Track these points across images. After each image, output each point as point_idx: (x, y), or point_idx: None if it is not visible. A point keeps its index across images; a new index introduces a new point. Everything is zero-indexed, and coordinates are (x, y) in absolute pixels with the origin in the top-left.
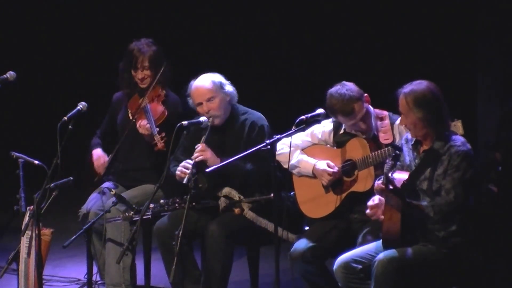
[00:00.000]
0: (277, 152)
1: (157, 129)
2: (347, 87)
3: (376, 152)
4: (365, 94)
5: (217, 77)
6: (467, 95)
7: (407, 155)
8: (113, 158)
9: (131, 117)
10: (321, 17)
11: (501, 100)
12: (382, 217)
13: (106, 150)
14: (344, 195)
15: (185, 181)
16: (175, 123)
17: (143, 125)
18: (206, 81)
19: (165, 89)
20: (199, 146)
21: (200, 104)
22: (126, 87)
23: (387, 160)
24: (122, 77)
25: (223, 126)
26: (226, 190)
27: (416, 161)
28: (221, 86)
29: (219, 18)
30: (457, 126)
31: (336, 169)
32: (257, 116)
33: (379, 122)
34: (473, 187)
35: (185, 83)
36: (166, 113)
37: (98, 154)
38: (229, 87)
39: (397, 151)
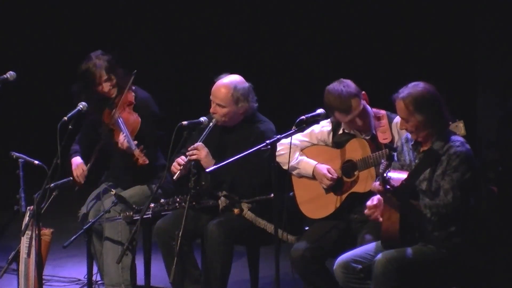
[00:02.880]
0: (277, 153)
1: (135, 142)
2: (344, 84)
3: (376, 153)
4: (363, 92)
5: (241, 89)
6: (467, 95)
7: (407, 155)
8: (108, 163)
9: (110, 127)
10: (321, 17)
11: (501, 100)
12: (381, 219)
13: (86, 155)
14: (344, 196)
15: (175, 177)
16: (151, 122)
17: (121, 142)
18: (226, 87)
19: (133, 90)
20: (197, 145)
21: (212, 101)
22: (92, 103)
23: (382, 161)
24: (80, 96)
25: (231, 128)
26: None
27: (416, 161)
28: (237, 100)
29: (219, 17)
30: (459, 127)
31: (336, 176)
32: (268, 127)
33: (377, 122)
34: (471, 189)
35: (183, 84)
36: (140, 120)
37: (77, 163)
38: (246, 104)
39: (391, 151)
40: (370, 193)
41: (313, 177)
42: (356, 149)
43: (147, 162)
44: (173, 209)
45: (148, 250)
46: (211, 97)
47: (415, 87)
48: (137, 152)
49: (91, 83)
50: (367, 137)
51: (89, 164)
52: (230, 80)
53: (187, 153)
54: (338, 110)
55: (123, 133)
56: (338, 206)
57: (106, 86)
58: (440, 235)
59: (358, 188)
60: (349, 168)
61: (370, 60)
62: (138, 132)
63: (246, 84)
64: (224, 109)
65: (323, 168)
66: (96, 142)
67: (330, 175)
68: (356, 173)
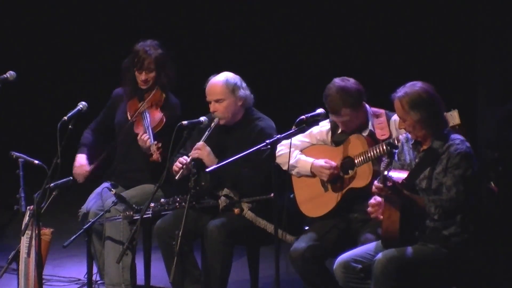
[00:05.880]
0: (276, 154)
1: (154, 141)
2: (345, 89)
3: (374, 147)
4: (363, 101)
5: (233, 79)
6: (467, 95)
7: (408, 154)
8: (111, 159)
9: (129, 118)
10: (321, 17)
11: (501, 100)
12: (381, 217)
13: (98, 147)
14: (343, 192)
15: (177, 177)
16: (173, 126)
17: (142, 138)
18: (220, 81)
19: (165, 92)
20: (199, 144)
21: (210, 102)
22: (128, 85)
23: (383, 158)
24: (124, 75)
25: (231, 128)
26: (226, 190)
27: (416, 160)
28: (233, 89)
29: (219, 17)
30: (454, 115)
31: (334, 164)
32: (268, 124)
33: (375, 119)
34: (473, 186)
35: (182, 84)
36: (164, 120)
37: (81, 162)
38: (243, 92)
39: (392, 149)
40: (369, 188)
41: (312, 174)
42: (355, 146)
43: (160, 160)
44: (173, 209)
45: (148, 250)
46: (207, 98)
47: (413, 86)
48: (153, 147)
49: (134, 65)
50: (365, 134)
51: (92, 166)
52: (220, 75)
53: (190, 154)
54: (329, 109)
55: (145, 126)
56: (338, 202)
57: (144, 75)
58: (441, 235)
59: (357, 183)
60: (347, 164)
61: (370, 60)
62: (160, 130)
63: (236, 76)
64: (224, 103)
65: (320, 161)
66: (111, 135)
67: (328, 165)
68: (354, 169)
